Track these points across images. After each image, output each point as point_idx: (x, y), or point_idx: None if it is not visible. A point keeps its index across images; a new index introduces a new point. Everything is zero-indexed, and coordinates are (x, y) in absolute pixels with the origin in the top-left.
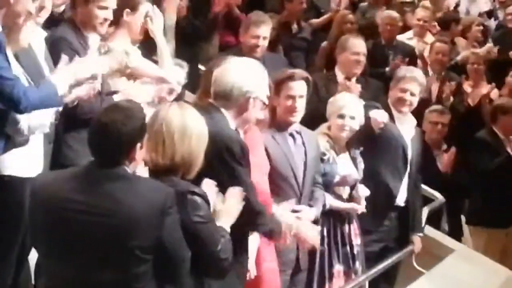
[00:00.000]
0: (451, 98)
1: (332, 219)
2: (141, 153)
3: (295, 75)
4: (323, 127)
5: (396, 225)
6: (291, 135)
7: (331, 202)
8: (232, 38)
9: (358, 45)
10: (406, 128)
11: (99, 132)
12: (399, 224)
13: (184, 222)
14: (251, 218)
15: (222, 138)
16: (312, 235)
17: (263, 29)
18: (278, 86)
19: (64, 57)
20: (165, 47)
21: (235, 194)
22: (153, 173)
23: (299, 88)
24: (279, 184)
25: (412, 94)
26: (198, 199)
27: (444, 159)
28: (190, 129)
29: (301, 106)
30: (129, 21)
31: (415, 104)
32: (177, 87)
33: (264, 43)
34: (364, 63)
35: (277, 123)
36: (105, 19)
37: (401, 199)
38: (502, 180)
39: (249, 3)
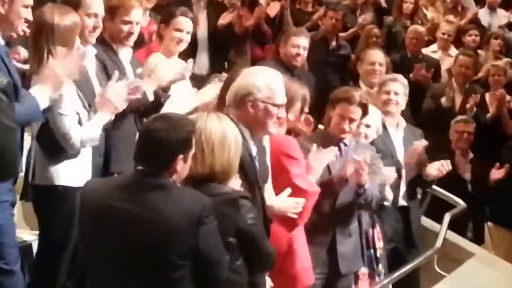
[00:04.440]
0: (474, 109)
1: (358, 224)
2: (184, 167)
3: (352, 99)
4: None
5: (403, 226)
6: (339, 148)
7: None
8: (260, 51)
9: (373, 55)
10: (397, 131)
11: (144, 139)
12: (405, 225)
13: (239, 225)
14: None
15: None
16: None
17: (303, 40)
18: (334, 103)
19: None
20: None
21: None
22: (190, 181)
23: (354, 112)
24: None
25: (396, 94)
26: (248, 202)
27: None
28: (229, 138)
29: (351, 129)
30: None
31: (401, 103)
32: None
33: (304, 53)
34: (381, 72)
35: (330, 134)
36: (130, 33)
37: (403, 199)
38: None
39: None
